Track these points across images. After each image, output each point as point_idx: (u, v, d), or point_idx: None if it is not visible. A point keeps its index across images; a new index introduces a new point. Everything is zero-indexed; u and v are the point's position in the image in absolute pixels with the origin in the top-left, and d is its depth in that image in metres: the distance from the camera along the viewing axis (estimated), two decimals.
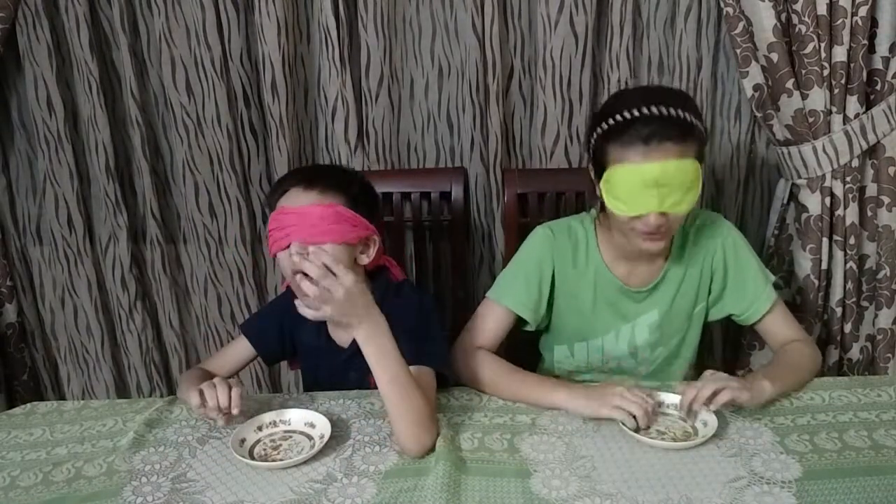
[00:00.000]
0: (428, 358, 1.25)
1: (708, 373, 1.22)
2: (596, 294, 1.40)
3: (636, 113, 1.20)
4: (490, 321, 1.41)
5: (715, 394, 1.17)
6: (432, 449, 1.15)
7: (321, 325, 1.37)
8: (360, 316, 1.16)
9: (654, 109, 1.20)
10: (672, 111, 1.20)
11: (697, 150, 1.23)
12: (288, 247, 1.22)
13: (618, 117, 1.22)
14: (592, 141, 1.29)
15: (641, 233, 1.25)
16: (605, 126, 1.24)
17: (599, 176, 1.27)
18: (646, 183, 1.20)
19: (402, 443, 1.16)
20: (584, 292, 1.41)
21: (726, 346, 1.96)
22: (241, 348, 1.42)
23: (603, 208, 1.33)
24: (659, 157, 1.19)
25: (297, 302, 1.18)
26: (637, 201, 1.22)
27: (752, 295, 1.39)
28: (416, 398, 1.16)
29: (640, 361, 1.44)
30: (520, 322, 1.42)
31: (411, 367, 1.19)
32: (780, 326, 1.40)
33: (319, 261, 1.14)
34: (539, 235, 1.42)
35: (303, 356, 1.44)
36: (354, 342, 1.32)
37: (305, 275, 1.14)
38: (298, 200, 1.24)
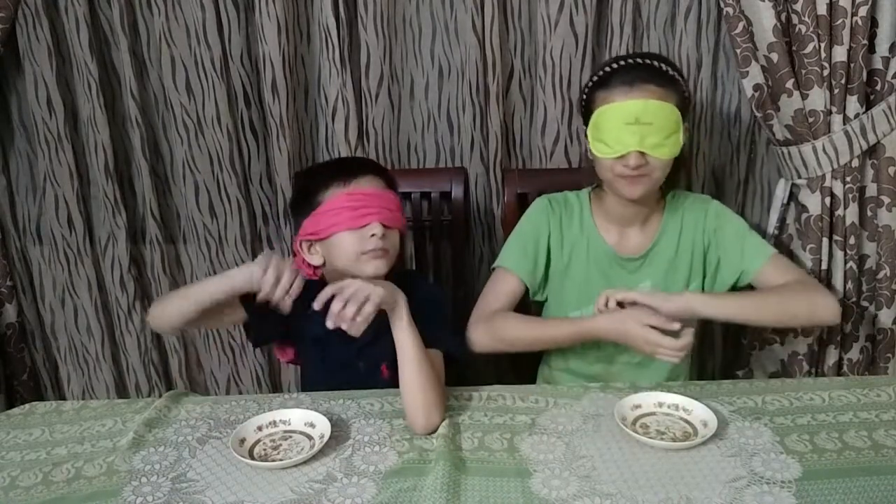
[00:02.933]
0: (439, 342, 1.31)
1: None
2: (589, 261, 1.46)
3: (622, 63, 1.35)
4: (497, 287, 1.46)
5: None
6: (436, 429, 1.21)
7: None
8: (396, 296, 1.23)
9: (637, 59, 1.35)
10: (654, 62, 1.34)
11: (678, 101, 1.33)
12: (362, 227, 1.27)
13: (606, 68, 1.36)
14: (584, 97, 1.40)
15: (623, 177, 1.33)
16: (594, 78, 1.38)
17: (588, 126, 1.37)
18: (627, 120, 1.29)
19: (413, 419, 1.21)
20: (577, 259, 1.46)
21: (726, 346, 1.96)
22: (231, 310, 1.35)
23: (599, 184, 1.44)
24: (640, 96, 1.29)
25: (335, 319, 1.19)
26: (619, 141, 1.30)
27: (741, 255, 1.42)
28: (432, 379, 1.23)
29: None
30: (525, 296, 1.47)
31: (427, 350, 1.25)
32: (777, 276, 1.40)
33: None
34: (537, 205, 1.51)
35: (307, 348, 1.43)
36: (366, 332, 1.33)
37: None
38: (372, 185, 1.32)
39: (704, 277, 1.47)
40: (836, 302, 1.37)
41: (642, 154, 1.30)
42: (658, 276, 1.44)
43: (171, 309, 1.28)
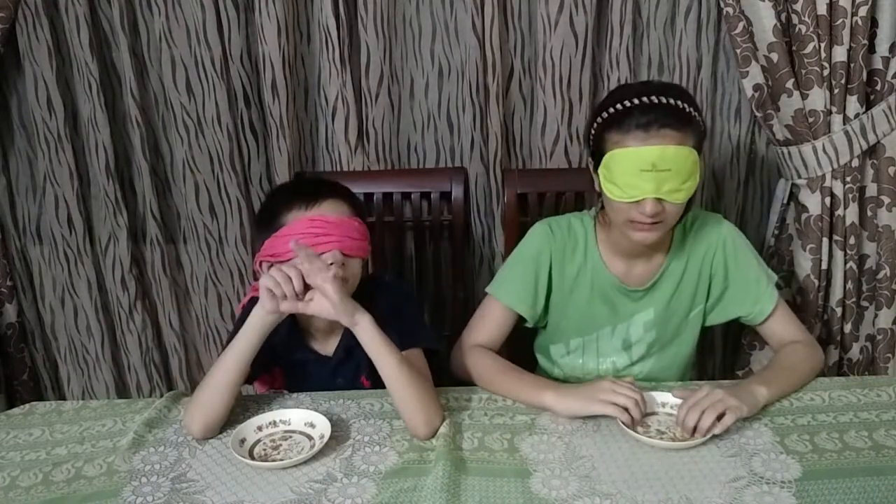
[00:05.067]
0: (417, 339, 1.31)
1: (702, 392, 1.18)
2: (592, 291, 1.41)
3: (636, 101, 1.23)
4: (489, 319, 1.42)
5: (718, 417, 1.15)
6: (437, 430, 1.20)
7: (303, 339, 1.38)
8: (359, 310, 1.21)
9: (653, 98, 1.23)
10: (671, 101, 1.23)
11: (696, 141, 1.25)
12: (321, 254, 1.24)
13: (618, 106, 1.25)
14: (593, 131, 1.31)
15: (637, 222, 1.26)
16: (605, 115, 1.27)
17: (598, 165, 1.28)
18: (643, 167, 1.20)
19: (414, 427, 1.19)
20: (580, 289, 1.41)
21: (726, 347, 1.96)
22: None
23: (603, 206, 1.34)
24: (657, 142, 1.21)
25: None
26: (634, 186, 1.22)
27: (754, 296, 1.39)
28: (421, 382, 1.21)
29: (634, 361, 1.44)
30: (520, 318, 1.43)
31: (404, 352, 1.24)
32: (782, 328, 1.39)
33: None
34: (538, 232, 1.43)
35: (289, 373, 1.41)
36: (339, 349, 1.35)
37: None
38: (336, 211, 1.29)
39: (707, 301, 1.43)
40: (821, 353, 1.40)
41: (659, 201, 1.22)
42: (662, 305, 1.40)
43: (211, 396, 1.20)
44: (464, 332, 1.42)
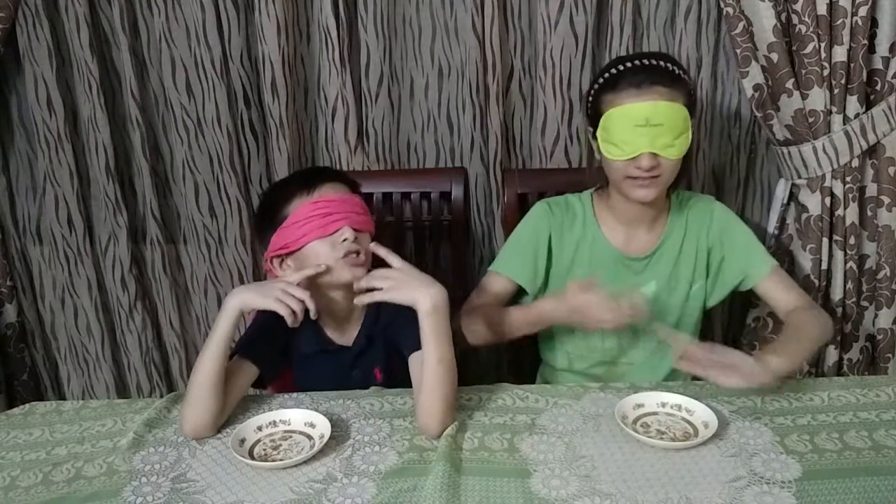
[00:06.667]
0: None
1: (710, 347, 1.24)
2: (592, 263, 1.45)
3: (628, 64, 1.33)
4: (488, 289, 1.46)
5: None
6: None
7: (318, 330, 1.37)
8: (425, 285, 1.20)
9: (644, 61, 1.33)
10: (661, 63, 1.33)
11: (686, 100, 1.32)
12: (333, 233, 1.26)
13: (612, 70, 1.35)
14: (590, 98, 1.39)
15: (636, 178, 1.33)
16: (601, 80, 1.36)
17: (596, 128, 1.35)
18: (638, 122, 1.29)
19: (427, 422, 1.18)
20: (580, 262, 1.45)
21: (726, 345, 1.95)
22: (241, 375, 1.28)
23: (604, 184, 1.44)
24: (650, 98, 1.29)
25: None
26: (630, 143, 1.30)
27: (747, 259, 1.44)
28: (454, 382, 1.21)
29: (637, 337, 1.45)
30: (520, 293, 1.46)
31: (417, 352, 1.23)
32: (781, 291, 1.43)
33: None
34: (536, 210, 1.50)
35: (299, 366, 1.41)
36: (358, 339, 1.35)
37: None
38: (336, 191, 1.30)
39: (707, 277, 1.46)
40: (827, 316, 1.44)
41: (654, 155, 1.30)
42: (663, 277, 1.44)
43: (199, 393, 1.19)
44: (462, 307, 1.44)
